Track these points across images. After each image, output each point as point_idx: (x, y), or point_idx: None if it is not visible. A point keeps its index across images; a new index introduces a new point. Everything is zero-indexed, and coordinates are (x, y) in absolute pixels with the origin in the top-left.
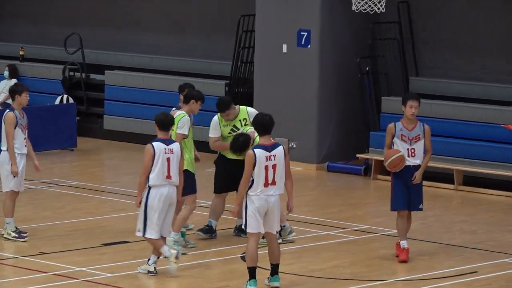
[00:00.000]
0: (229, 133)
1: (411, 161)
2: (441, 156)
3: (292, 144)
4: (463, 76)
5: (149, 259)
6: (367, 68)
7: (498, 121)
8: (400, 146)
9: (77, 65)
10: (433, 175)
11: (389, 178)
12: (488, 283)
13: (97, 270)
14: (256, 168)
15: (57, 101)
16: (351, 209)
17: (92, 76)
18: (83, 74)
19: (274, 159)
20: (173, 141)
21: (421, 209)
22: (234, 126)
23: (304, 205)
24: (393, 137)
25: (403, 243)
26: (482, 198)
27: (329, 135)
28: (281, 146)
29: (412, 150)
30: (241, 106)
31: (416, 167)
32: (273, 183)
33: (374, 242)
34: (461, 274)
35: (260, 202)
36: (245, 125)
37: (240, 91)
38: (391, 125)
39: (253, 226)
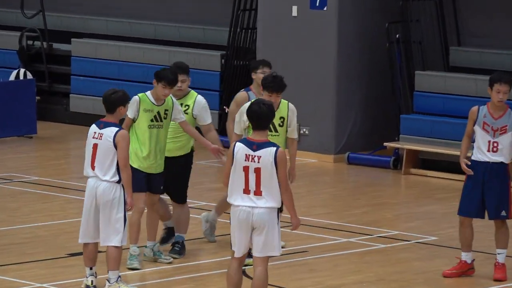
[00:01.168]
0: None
1: (490, 157)
2: None
3: (304, 130)
4: None
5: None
6: (397, 36)
7: None
8: (480, 137)
9: (36, 32)
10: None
11: (425, 172)
12: None
13: (62, 287)
14: (232, 167)
15: (12, 77)
16: (377, 210)
17: (56, 45)
18: (45, 44)
19: (258, 162)
20: (112, 125)
21: (505, 217)
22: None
23: (319, 206)
24: (474, 123)
25: (464, 255)
26: None
27: (350, 120)
28: (273, 149)
29: (495, 144)
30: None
31: (498, 166)
32: (258, 192)
33: (406, 252)
34: None
35: (241, 214)
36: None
37: (239, 64)
38: (474, 108)
39: (233, 244)
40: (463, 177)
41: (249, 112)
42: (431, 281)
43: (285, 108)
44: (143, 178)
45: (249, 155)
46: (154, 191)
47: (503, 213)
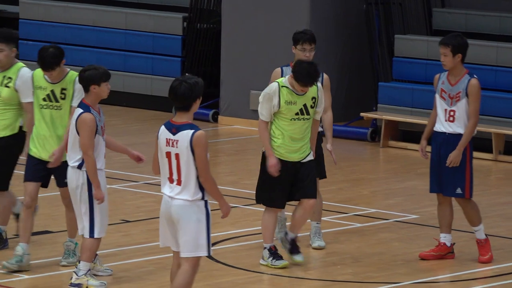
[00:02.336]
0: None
1: (447, 128)
2: None
3: None
4: (506, 8)
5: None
6: None
7: None
8: (438, 106)
9: None
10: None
11: (405, 144)
12: None
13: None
14: (158, 151)
15: None
16: (353, 187)
17: (2, 7)
18: None
19: (176, 147)
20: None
21: (460, 195)
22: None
23: None
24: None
25: (442, 237)
26: None
27: None
28: (190, 132)
29: (451, 113)
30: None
31: (455, 137)
32: (179, 182)
33: (384, 232)
34: (501, 274)
35: (163, 204)
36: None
37: (203, 27)
38: (436, 76)
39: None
40: None
41: (169, 89)
42: (412, 264)
43: (315, 87)
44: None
45: (169, 139)
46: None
47: (458, 190)
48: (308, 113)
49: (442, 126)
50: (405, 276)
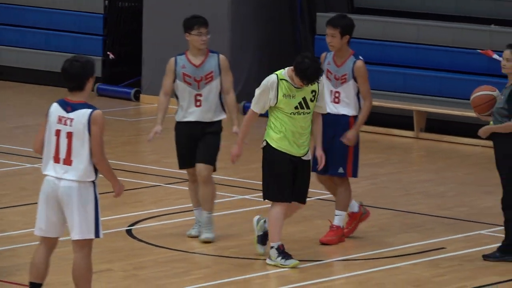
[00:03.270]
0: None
1: (332, 109)
2: (395, 93)
3: None
4: None
5: None
6: None
7: (474, 46)
8: (325, 87)
9: None
10: (385, 119)
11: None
12: (458, 263)
13: None
14: (46, 129)
15: None
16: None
17: None
18: None
19: (70, 125)
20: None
21: (342, 174)
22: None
23: None
24: None
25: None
26: (451, 148)
27: (246, 66)
28: (88, 111)
29: (337, 94)
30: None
31: (340, 118)
32: (67, 162)
33: (307, 210)
34: (423, 251)
35: (46, 187)
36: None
37: (125, 6)
38: (322, 55)
39: (37, 220)
40: (375, 129)
41: (61, 70)
42: None
43: None
44: None
45: (62, 117)
46: None
47: (341, 170)
48: (308, 107)
49: (327, 107)
50: (327, 253)
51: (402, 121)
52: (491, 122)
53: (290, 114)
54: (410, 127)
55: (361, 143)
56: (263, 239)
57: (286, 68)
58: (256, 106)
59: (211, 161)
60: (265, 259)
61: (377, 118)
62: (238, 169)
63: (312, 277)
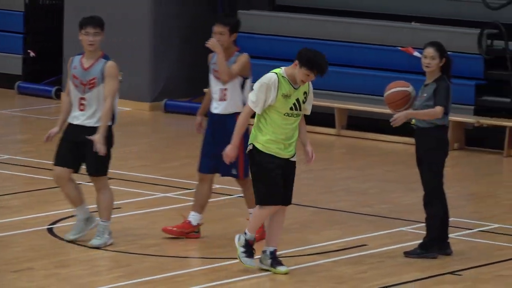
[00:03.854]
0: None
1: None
2: (316, 91)
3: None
4: None
5: None
6: None
7: (394, 43)
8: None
9: None
10: (306, 116)
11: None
12: (380, 260)
13: None
14: None
15: None
16: (197, 163)
17: None
18: None
19: None
20: None
21: (235, 176)
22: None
23: (134, 158)
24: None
25: (191, 214)
26: (373, 146)
27: (168, 65)
28: None
29: (225, 92)
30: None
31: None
32: None
33: (229, 207)
34: (345, 248)
35: None
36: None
37: (45, 3)
38: (210, 54)
39: None
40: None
41: None
42: None
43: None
44: None
45: None
46: None
47: (233, 171)
48: (300, 109)
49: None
50: None
51: (323, 118)
52: (414, 121)
53: (285, 114)
54: (331, 125)
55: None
56: (274, 262)
57: (282, 68)
58: (257, 106)
59: (100, 170)
60: (201, 257)
61: None
62: (159, 167)
63: (234, 275)
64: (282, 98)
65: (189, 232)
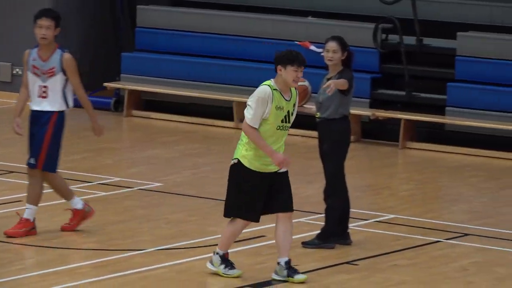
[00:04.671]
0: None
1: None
2: (215, 84)
3: (17, 70)
4: None
5: None
6: None
7: (292, 37)
8: (32, 83)
9: None
10: (205, 110)
11: (148, 114)
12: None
13: None
14: None
15: None
16: (97, 156)
17: None
18: None
19: None
20: None
21: (32, 165)
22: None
23: None
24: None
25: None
26: None
27: None
28: None
29: (44, 89)
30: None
31: (40, 114)
32: None
33: (129, 200)
34: (244, 239)
35: None
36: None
37: None
38: (26, 51)
39: None
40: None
41: None
42: (157, 230)
43: (295, 92)
44: None
45: None
46: None
47: (32, 160)
48: (289, 121)
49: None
50: (149, 243)
51: (222, 111)
52: (318, 114)
53: (277, 128)
54: (230, 118)
55: (181, 133)
56: (290, 272)
57: (271, 80)
58: (255, 122)
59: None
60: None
61: (197, 109)
62: (60, 160)
63: (133, 266)
64: (276, 111)
65: (31, 229)
